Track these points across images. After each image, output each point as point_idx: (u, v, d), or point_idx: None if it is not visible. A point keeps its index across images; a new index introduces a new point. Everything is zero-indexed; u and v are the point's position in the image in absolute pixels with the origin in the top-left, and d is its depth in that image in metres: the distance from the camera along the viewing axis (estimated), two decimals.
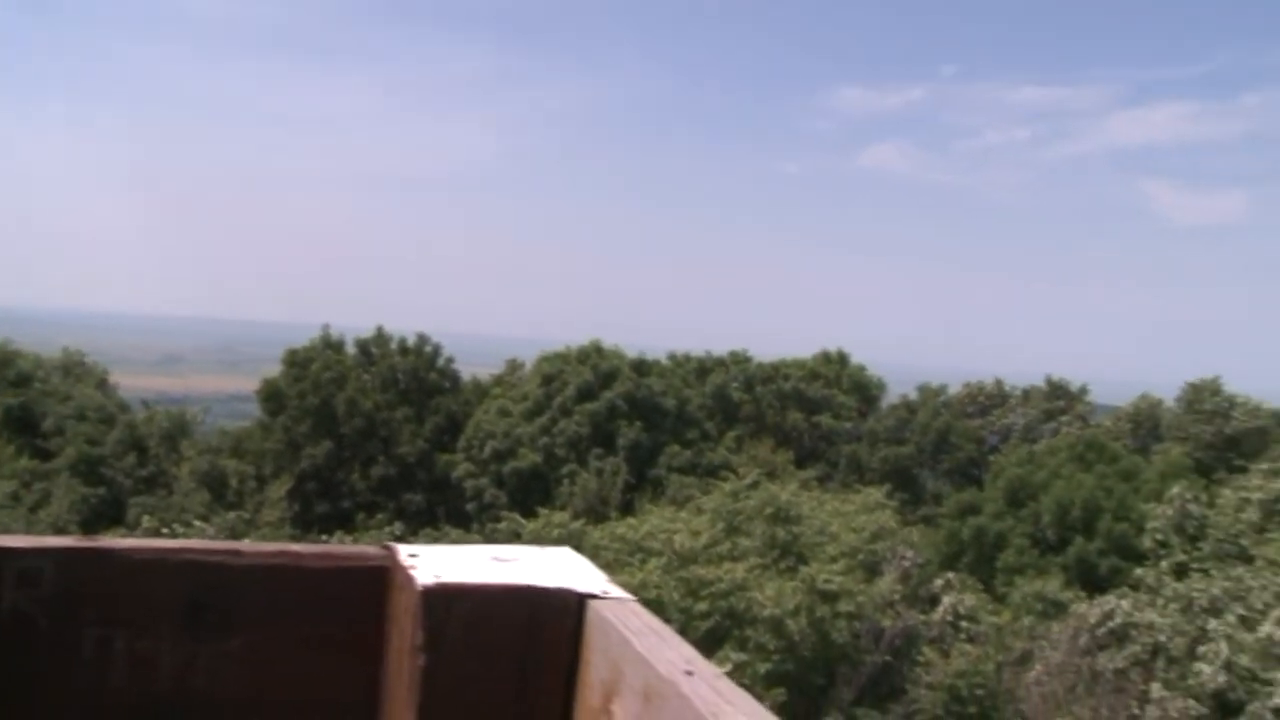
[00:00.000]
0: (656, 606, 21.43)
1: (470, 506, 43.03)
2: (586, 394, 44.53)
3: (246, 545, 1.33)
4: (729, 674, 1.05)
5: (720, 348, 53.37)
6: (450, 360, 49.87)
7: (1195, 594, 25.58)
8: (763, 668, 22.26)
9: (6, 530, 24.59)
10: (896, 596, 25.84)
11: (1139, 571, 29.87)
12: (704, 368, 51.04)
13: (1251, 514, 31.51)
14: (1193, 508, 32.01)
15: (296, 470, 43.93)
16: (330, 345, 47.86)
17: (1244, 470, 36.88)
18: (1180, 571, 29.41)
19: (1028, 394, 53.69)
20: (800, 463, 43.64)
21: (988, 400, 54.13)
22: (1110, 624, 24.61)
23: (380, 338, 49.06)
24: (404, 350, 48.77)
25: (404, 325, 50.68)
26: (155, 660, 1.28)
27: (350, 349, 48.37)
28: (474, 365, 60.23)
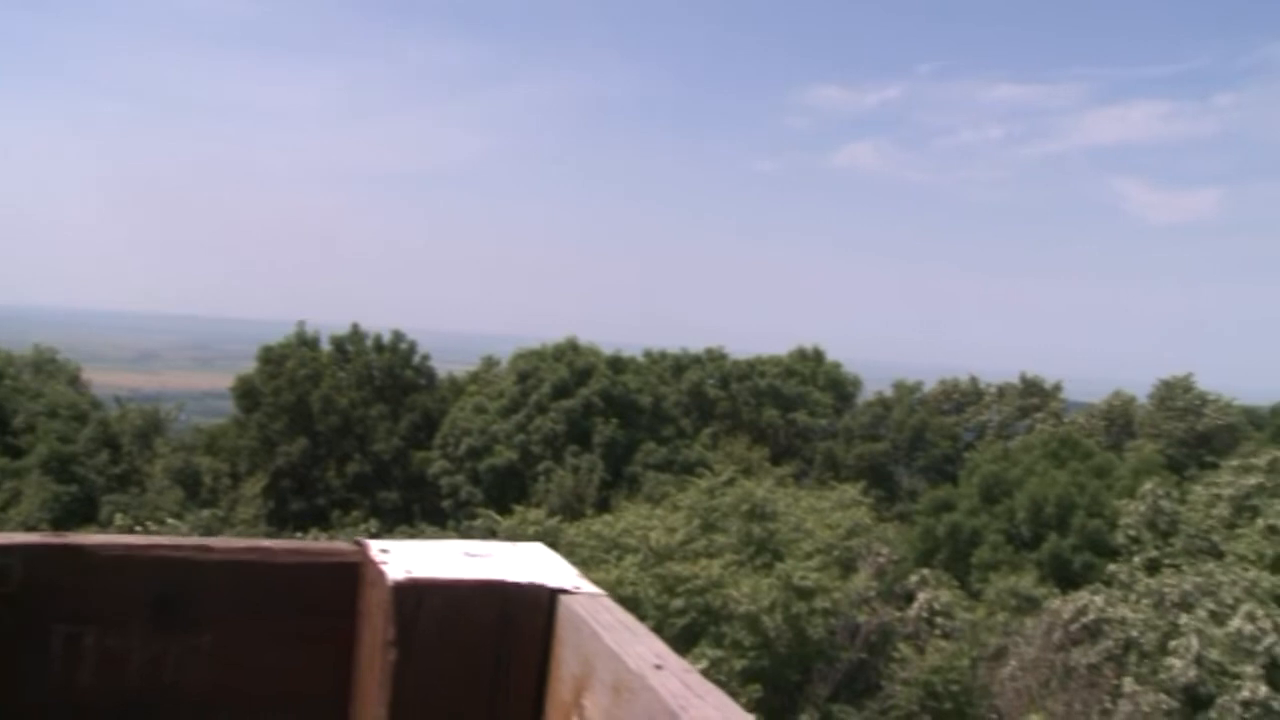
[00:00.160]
0: (633, 603, 21.46)
1: (446, 504, 42.93)
2: (562, 391, 44.48)
3: (216, 541, 1.33)
4: (705, 670, 1.06)
5: (696, 345, 53.57)
6: (426, 357, 49.75)
7: (1167, 589, 25.82)
8: (739, 664, 22.30)
9: None
10: (872, 593, 25.93)
11: (1112, 567, 30.12)
12: (680, 365, 51.08)
13: (1222, 510, 31.83)
14: (1165, 504, 32.28)
15: (271, 468, 43.70)
16: (305, 342, 47.63)
17: (1215, 467, 37.29)
18: (1152, 567, 29.67)
19: (1002, 391, 54.00)
20: (776, 459, 43.74)
21: (963, 397, 54.42)
22: (1083, 619, 24.81)
23: (356, 335, 48.86)
24: (379, 347, 48.59)
25: (379, 322, 50.63)
26: (125, 656, 1.27)
27: (326, 346, 48.15)
28: (450, 362, 60.08)
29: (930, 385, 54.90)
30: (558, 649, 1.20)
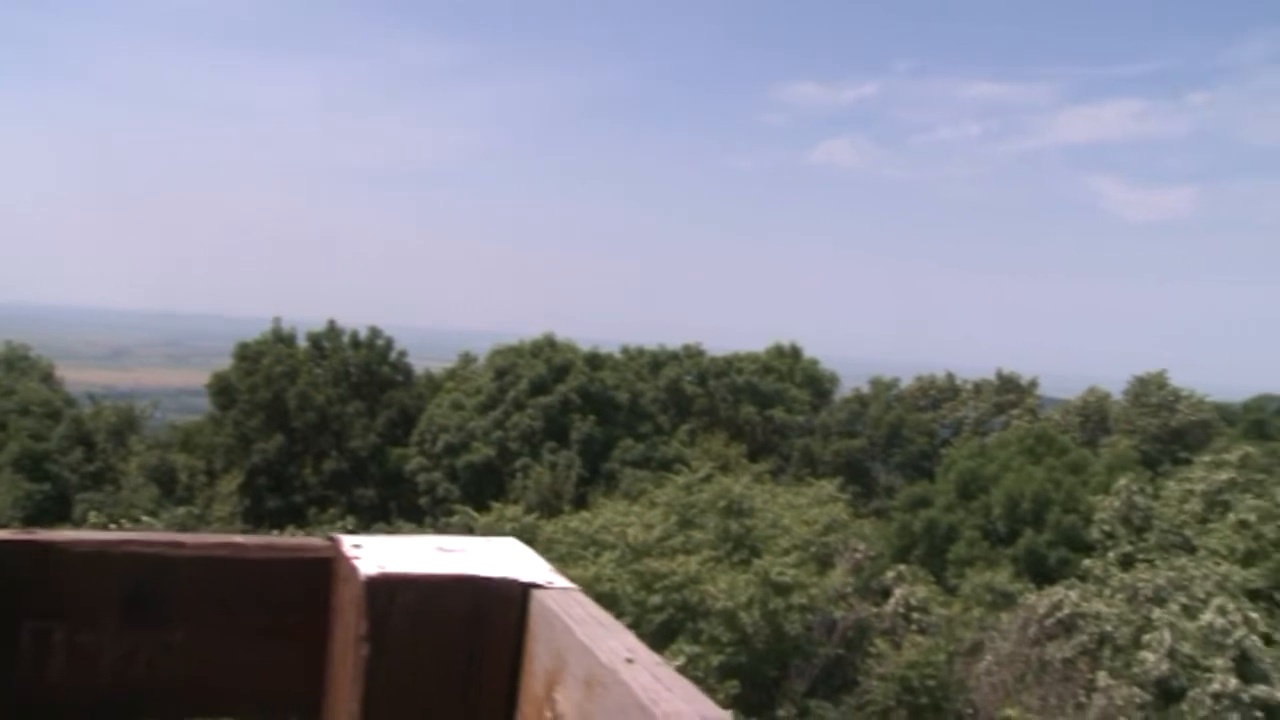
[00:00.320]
0: (610, 600, 21.46)
1: (423, 500, 42.82)
2: (540, 388, 44.43)
3: (189, 537, 1.32)
4: (682, 667, 1.06)
5: (673, 341, 53.55)
6: (403, 354, 49.59)
7: (1140, 584, 26.03)
8: (716, 660, 22.33)
9: None
10: (849, 589, 26.03)
11: (1087, 562, 30.31)
12: (657, 361, 51.10)
13: (1195, 505, 32.10)
14: (1139, 499, 32.53)
15: (247, 465, 43.46)
16: (281, 339, 47.41)
17: (1188, 463, 37.60)
18: (1126, 562, 29.89)
19: (979, 387, 54.29)
20: (753, 456, 43.79)
21: (939, 394, 54.67)
22: (1058, 614, 24.97)
23: (332, 331, 48.65)
24: (356, 344, 48.39)
25: (356, 318, 50.41)
26: (96, 653, 1.26)
27: (302, 342, 47.93)
28: (427, 359, 59.96)
29: (907, 382, 55.12)
30: (530, 643, 1.20)
